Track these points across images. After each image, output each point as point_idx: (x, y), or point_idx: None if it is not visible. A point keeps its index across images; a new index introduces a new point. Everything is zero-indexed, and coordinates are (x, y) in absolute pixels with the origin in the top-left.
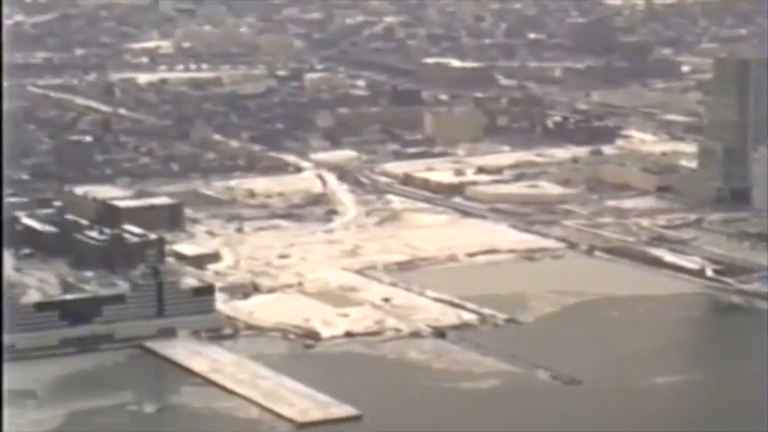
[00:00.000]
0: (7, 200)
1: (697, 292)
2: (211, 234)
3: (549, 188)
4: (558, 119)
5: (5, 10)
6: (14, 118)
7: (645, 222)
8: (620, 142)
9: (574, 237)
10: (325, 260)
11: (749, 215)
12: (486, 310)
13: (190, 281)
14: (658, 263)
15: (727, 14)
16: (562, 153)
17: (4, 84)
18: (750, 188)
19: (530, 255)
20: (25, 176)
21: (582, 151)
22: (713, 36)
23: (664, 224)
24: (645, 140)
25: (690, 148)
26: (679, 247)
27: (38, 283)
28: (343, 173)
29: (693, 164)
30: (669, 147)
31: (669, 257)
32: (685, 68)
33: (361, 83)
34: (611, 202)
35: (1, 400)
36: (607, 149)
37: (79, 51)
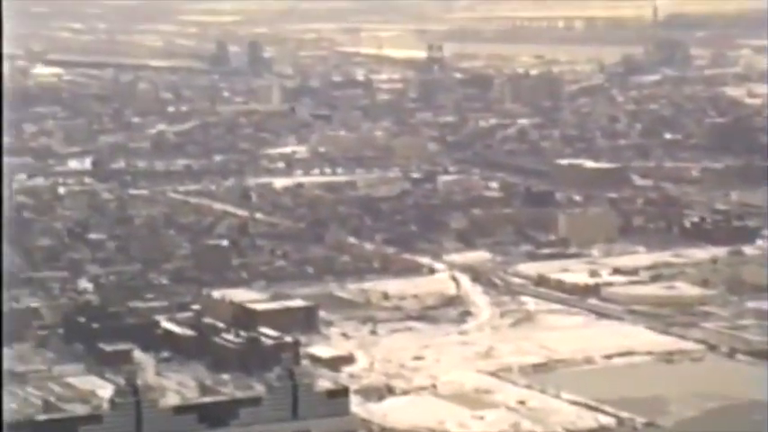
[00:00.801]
0: (148, 304)
1: None
2: (346, 336)
3: (687, 289)
4: (695, 219)
5: None
6: (155, 224)
7: None
8: (760, 242)
9: (714, 339)
10: (460, 362)
11: None
12: (625, 414)
13: (324, 383)
14: None
15: None
16: (700, 253)
17: (146, 191)
18: None
19: (668, 357)
20: (165, 281)
21: (721, 251)
22: None
23: None
24: None
25: None
26: None
27: (176, 386)
28: (476, 274)
29: None
30: None
31: None
32: None
33: (494, 184)
34: (752, 304)
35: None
36: (748, 250)
37: (218, 158)
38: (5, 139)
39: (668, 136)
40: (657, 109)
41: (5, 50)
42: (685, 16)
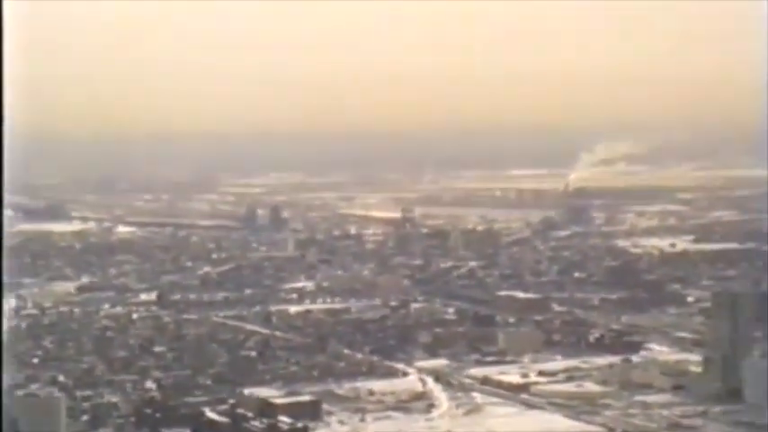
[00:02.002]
0: (196, 399)
1: None
2: (342, 423)
3: (592, 387)
4: (597, 335)
5: None
6: (201, 340)
7: (665, 413)
8: (643, 353)
9: (611, 423)
10: None
11: (743, 408)
12: None
13: None
14: None
15: (720, 261)
16: (601, 361)
17: (195, 316)
18: (742, 388)
19: None
20: (209, 382)
21: (616, 359)
22: (710, 276)
23: (678, 414)
24: (662, 351)
25: (696, 357)
26: None
27: None
28: (438, 376)
29: (699, 369)
30: (681, 356)
31: None
32: (690, 299)
33: (451, 310)
34: (638, 398)
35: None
36: (635, 358)
37: (248, 291)
38: None
39: (577, 275)
40: (569, 255)
41: None
42: (588, 189)
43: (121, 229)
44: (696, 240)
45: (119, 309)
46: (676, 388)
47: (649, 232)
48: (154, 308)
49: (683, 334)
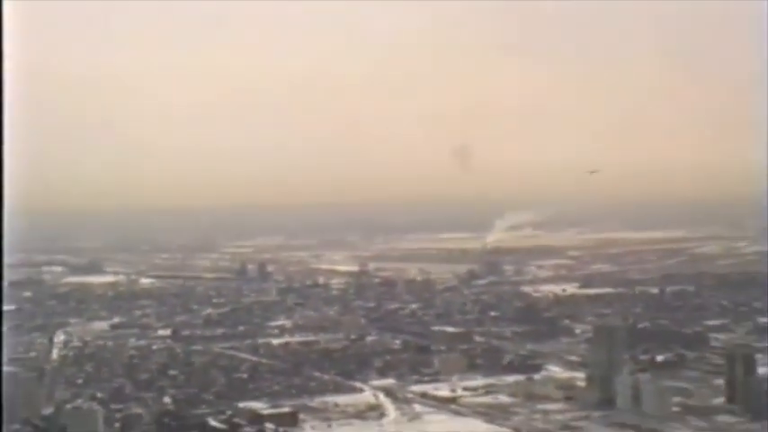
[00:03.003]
0: (202, 411)
1: None
2: (314, 428)
3: (504, 399)
4: (508, 359)
5: None
6: (206, 366)
7: (559, 417)
8: (543, 372)
9: (520, 426)
10: None
11: (616, 412)
12: None
13: None
14: None
15: (599, 302)
16: (510, 379)
17: (200, 347)
18: (615, 397)
19: None
20: (211, 398)
21: (522, 377)
22: (592, 313)
23: (569, 418)
24: (557, 371)
25: (582, 375)
26: None
27: None
28: (388, 392)
29: (584, 384)
30: (571, 375)
31: None
32: (577, 331)
33: (398, 341)
34: (539, 406)
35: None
36: (536, 376)
37: (241, 327)
38: None
39: (493, 313)
40: (487, 299)
41: None
42: (501, 248)
43: (144, 280)
44: (581, 286)
45: (142, 342)
46: (567, 398)
47: (547, 280)
48: (169, 341)
49: (572, 357)
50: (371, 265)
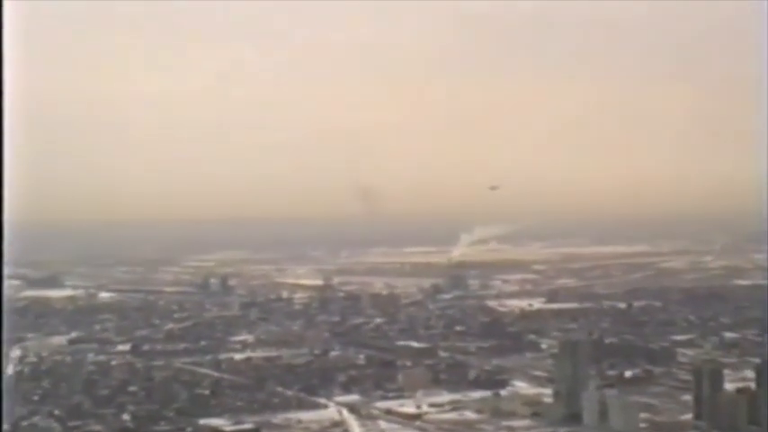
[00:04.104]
0: (162, 428)
1: None
2: None
3: (471, 415)
4: (474, 375)
5: None
6: (166, 381)
7: None
8: (509, 388)
9: None
10: None
11: (582, 428)
12: None
13: None
14: None
15: (564, 316)
16: (476, 395)
17: (161, 362)
18: (581, 413)
19: None
20: (172, 414)
21: (488, 393)
22: (557, 328)
23: None
24: (523, 387)
25: (548, 391)
26: None
27: None
28: (352, 408)
29: (551, 400)
30: (537, 390)
31: None
32: (543, 346)
33: (362, 356)
34: (505, 422)
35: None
36: (503, 392)
37: (203, 342)
38: None
39: (458, 328)
40: (452, 313)
41: None
42: (466, 263)
43: (104, 294)
44: (547, 301)
45: (101, 357)
46: (534, 414)
47: (512, 295)
48: (129, 356)
49: (538, 373)
50: (336, 279)
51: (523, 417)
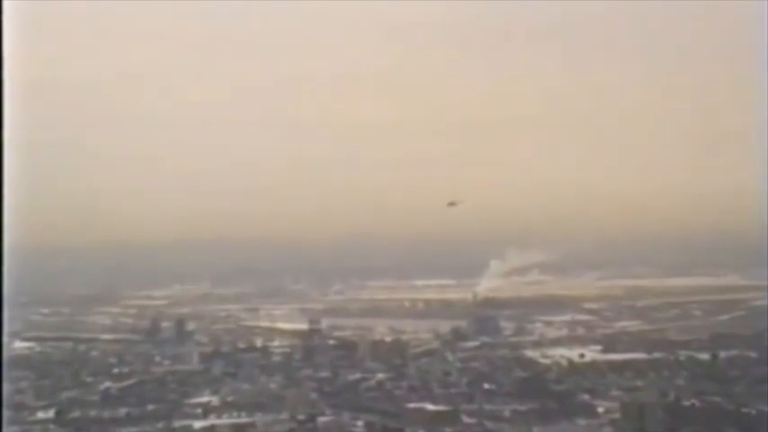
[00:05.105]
0: None
1: None
2: None
3: None
4: None
5: None
6: None
7: None
8: None
9: None
10: None
11: None
12: None
13: None
14: None
15: (627, 370)
16: None
17: None
18: None
19: None
20: None
21: None
22: (618, 386)
23: None
24: None
25: None
26: None
27: None
28: None
29: None
30: None
31: None
32: (600, 410)
33: (360, 423)
34: None
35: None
36: None
37: (151, 407)
38: None
39: (486, 386)
40: (478, 366)
41: None
42: (498, 299)
43: (19, 344)
44: (604, 350)
45: (14, 428)
46: None
47: (558, 342)
48: (52, 426)
49: None
50: (325, 322)
51: None
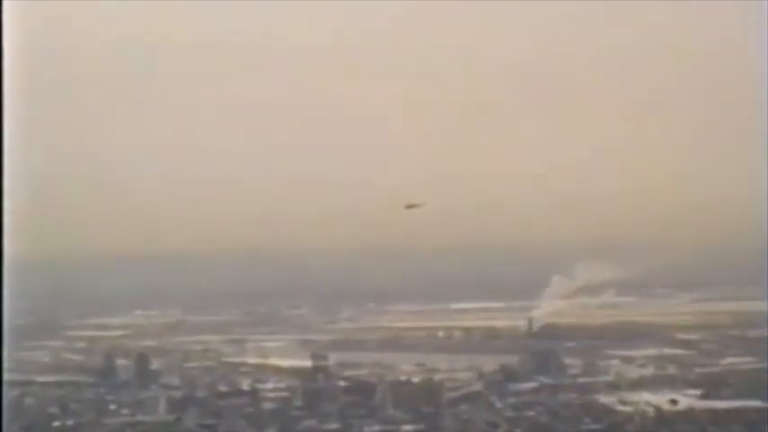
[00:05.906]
0: None
1: None
2: None
3: None
4: None
5: None
6: None
7: None
8: None
9: None
10: None
11: None
12: None
13: None
14: None
15: (736, 422)
16: None
17: None
18: None
19: None
20: None
21: None
22: None
23: None
24: None
25: None
26: None
27: None
28: None
29: None
30: None
31: None
32: None
33: None
34: None
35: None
36: None
37: None
38: None
39: None
40: (535, 416)
41: None
42: (560, 328)
43: None
44: (703, 395)
45: None
46: None
47: (642, 384)
48: None
49: None
50: (333, 358)
51: None
